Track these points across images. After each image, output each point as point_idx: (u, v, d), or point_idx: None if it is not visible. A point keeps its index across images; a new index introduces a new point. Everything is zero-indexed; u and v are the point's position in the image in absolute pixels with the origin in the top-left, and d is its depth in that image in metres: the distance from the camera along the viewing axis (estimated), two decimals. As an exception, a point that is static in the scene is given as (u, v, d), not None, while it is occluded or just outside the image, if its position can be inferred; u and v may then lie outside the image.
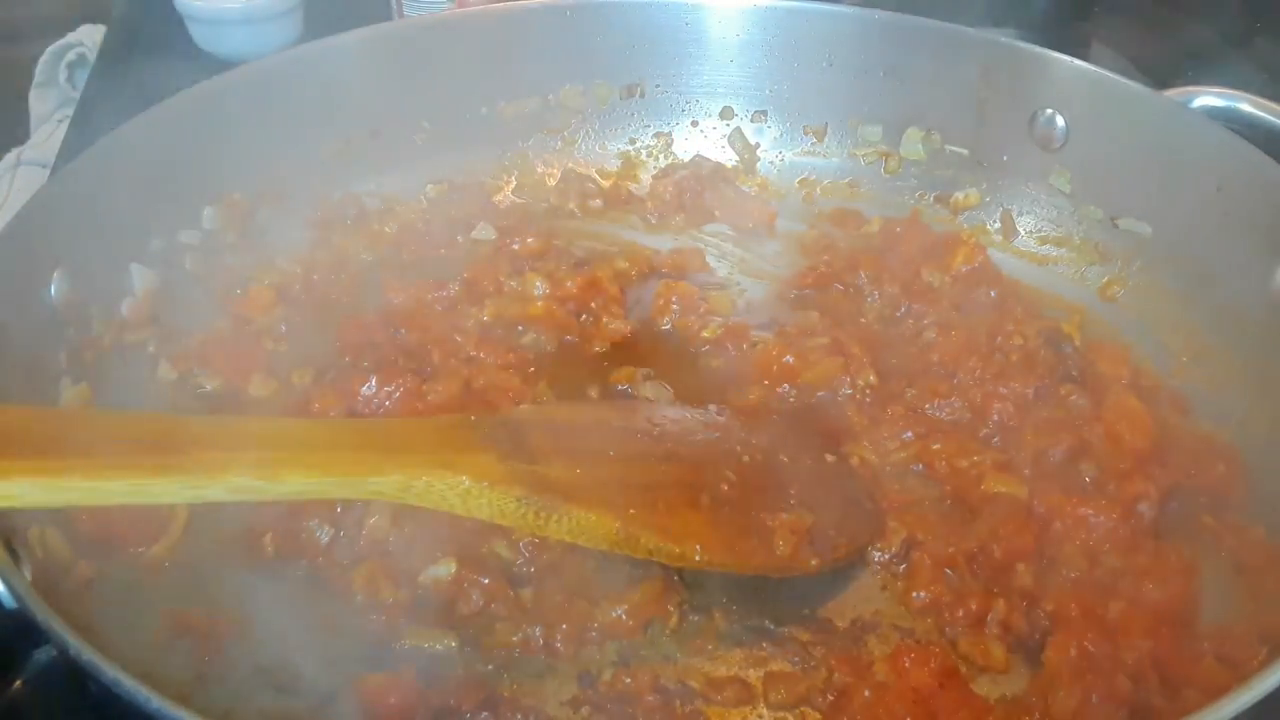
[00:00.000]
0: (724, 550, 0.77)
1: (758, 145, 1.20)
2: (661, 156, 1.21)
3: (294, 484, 0.66)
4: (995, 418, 0.91)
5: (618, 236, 1.15)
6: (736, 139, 1.20)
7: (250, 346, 0.96)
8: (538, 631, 0.76)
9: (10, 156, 1.37)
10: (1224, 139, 0.96)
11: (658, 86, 1.20)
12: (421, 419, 0.85)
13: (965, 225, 1.13)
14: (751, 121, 1.20)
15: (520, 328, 1.00)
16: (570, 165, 1.20)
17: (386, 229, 1.11)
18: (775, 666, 0.76)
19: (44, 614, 0.61)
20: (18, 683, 0.73)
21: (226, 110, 1.02)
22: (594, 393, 0.95)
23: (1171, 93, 1.01)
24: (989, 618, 0.77)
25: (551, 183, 1.19)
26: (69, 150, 1.20)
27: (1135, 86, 1.03)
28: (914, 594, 0.80)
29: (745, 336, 1.01)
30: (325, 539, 0.80)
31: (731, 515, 0.79)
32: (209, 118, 1.01)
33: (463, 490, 0.70)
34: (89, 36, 1.46)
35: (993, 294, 1.02)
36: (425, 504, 0.71)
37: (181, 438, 0.64)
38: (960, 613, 0.78)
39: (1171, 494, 0.85)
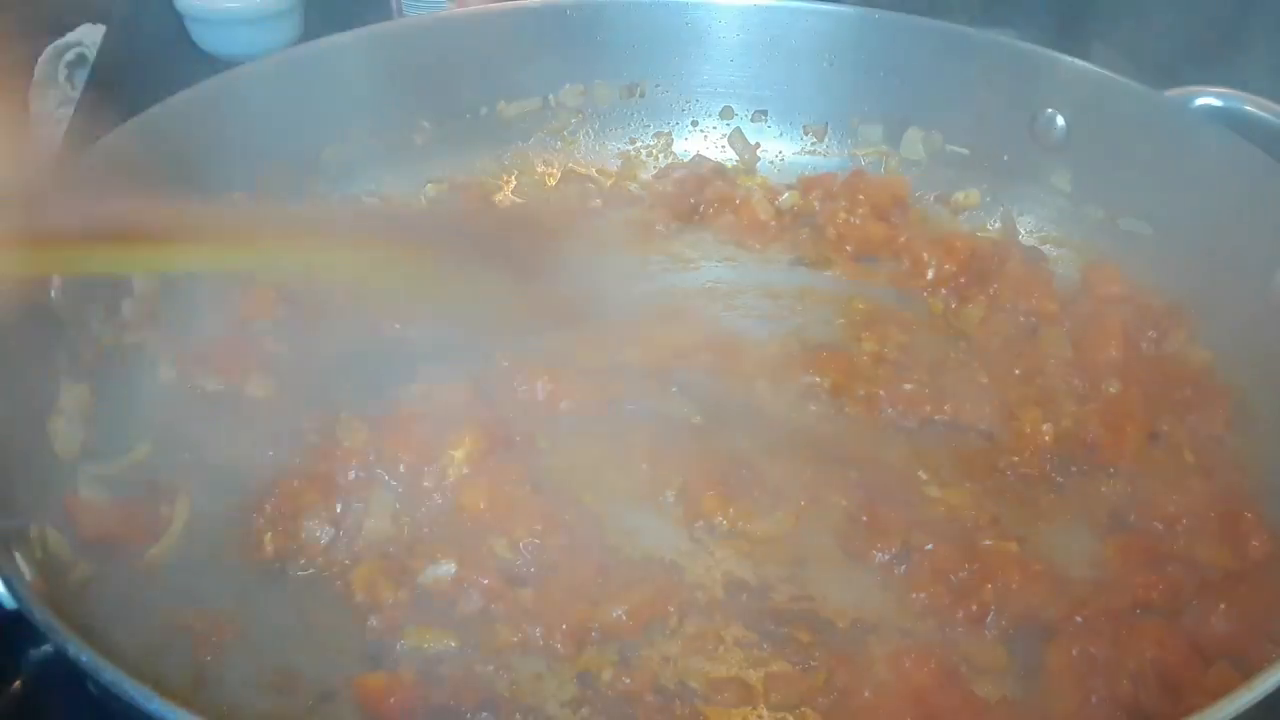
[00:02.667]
0: None
1: (757, 145, 1.20)
2: (661, 156, 1.21)
3: None
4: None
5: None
6: (736, 139, 1.20)
7: (250, 346, 0.96)
8: (538, 631, 0.76)
9: (10, 157, 1.37)
10: (1224, 139, 0.96)
11: (658, 86, 1.20)
12: None
13: (965, 225, 1.13)
14: (751, 121, 1.20)
15: (520, 328, 1.00)
16: (570, 165, 1.20)
17: (387, 229, 1.11)
18: (775, 667, 0.75)
19: (43, 614, 0.61)
20: (17, 683, 0.73)
21: (226, 110, 1.02)
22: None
23: (1172, 93, 1.01)
24: (988, 619, 0.77)
25: (552, 183, 1.19)
26: (68, 150, 1.20)
27: (1136, 86, 1.03)
28: (914, 594, 0.80)
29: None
30: (325, 539, 0.80)
31: None
32: (209, 117, 1.01)
33: None
34: (89, 36, 1.46)
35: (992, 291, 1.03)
36: None
37: None
38: (960, 613, 0.78)
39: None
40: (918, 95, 1.14)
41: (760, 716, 0.73)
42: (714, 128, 1.21)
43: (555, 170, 1.19)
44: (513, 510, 0.82)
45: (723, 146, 1.21)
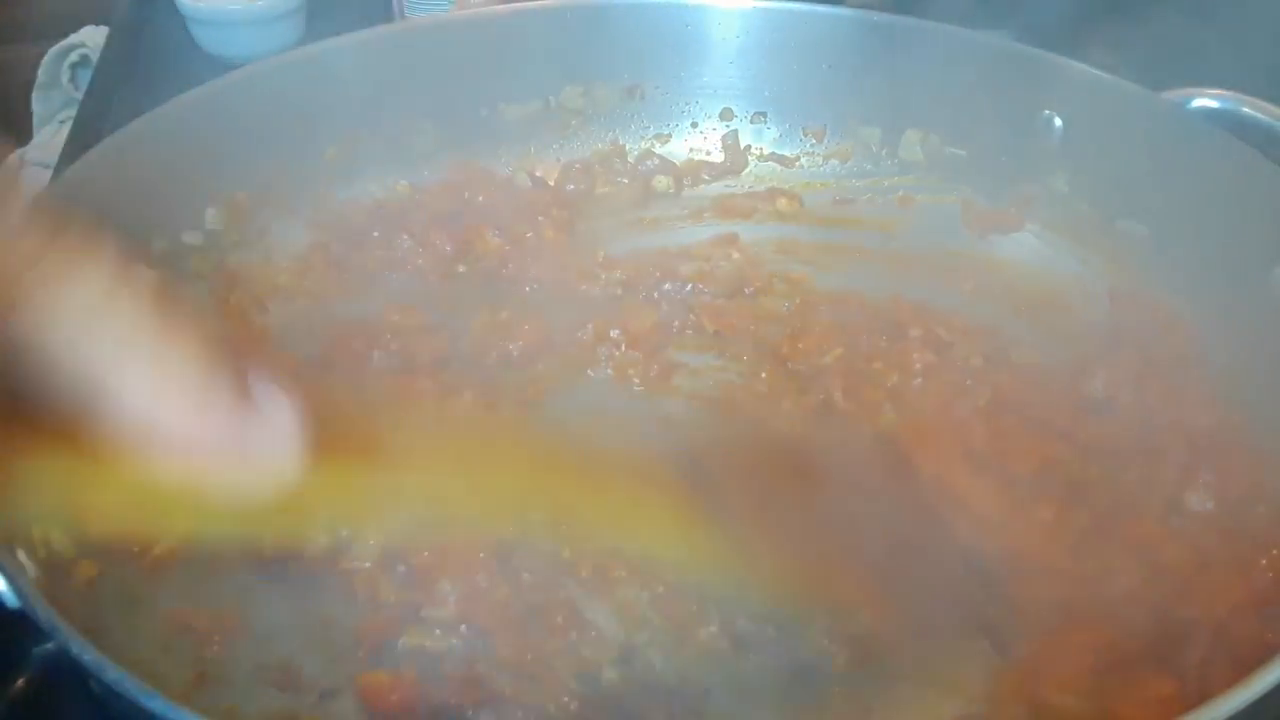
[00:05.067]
0: None
1: (748, 148, 1.20)
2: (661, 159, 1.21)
3: None
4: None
5: (617, 236, 1.15)
6: (729, 141, 1.20)
7: (254, 347, 0.97)
8: (539, 632, 0.76)
9: (13, 159, 1.38)
10: (1222, 140, 0.96)
11: (658, 88, 1.20)
12: None
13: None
14: (751, 123, 1.21)
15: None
16: (570, 166, 1.20)
17: (388, 229, 1.12)
18: (774, 664, 0.75)
19: (46, 613, 0.62)
20: (20, 681, 0.74)
21: (229, 111, 1.02)
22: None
23: (1169, 94, 1.01)
24: None
25: (552, 184, 1.19)
26: (71, 152, 1.21)
27: (1133, 88, 1.03)
28: None
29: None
30: (324, 541, 0.80)
31: None
32: (212, 119, 1.01)
33: None
34: (92, 38, 1.47)
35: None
36: None
37: None
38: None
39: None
40: (916, 97, 1.14)
41: (760, 715, 0.74)
42: (714, 129, 1.21)
43: (555, 171, 1.20)
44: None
45: (722, 148, 1.21)
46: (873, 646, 0.75)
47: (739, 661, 0.75)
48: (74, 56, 1.45)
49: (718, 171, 1.20)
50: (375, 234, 1.07)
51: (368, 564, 0.79)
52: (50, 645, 0.69)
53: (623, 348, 0.99)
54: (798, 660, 0.75)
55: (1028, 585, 0.79)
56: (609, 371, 0.98)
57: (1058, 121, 1.07)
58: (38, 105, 1.46)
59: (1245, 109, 0.98)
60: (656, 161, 1.20)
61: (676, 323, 1.02)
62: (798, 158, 1.20)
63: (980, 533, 0.81)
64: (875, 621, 0.75)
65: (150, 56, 1.41)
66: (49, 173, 1.29)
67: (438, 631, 0.76)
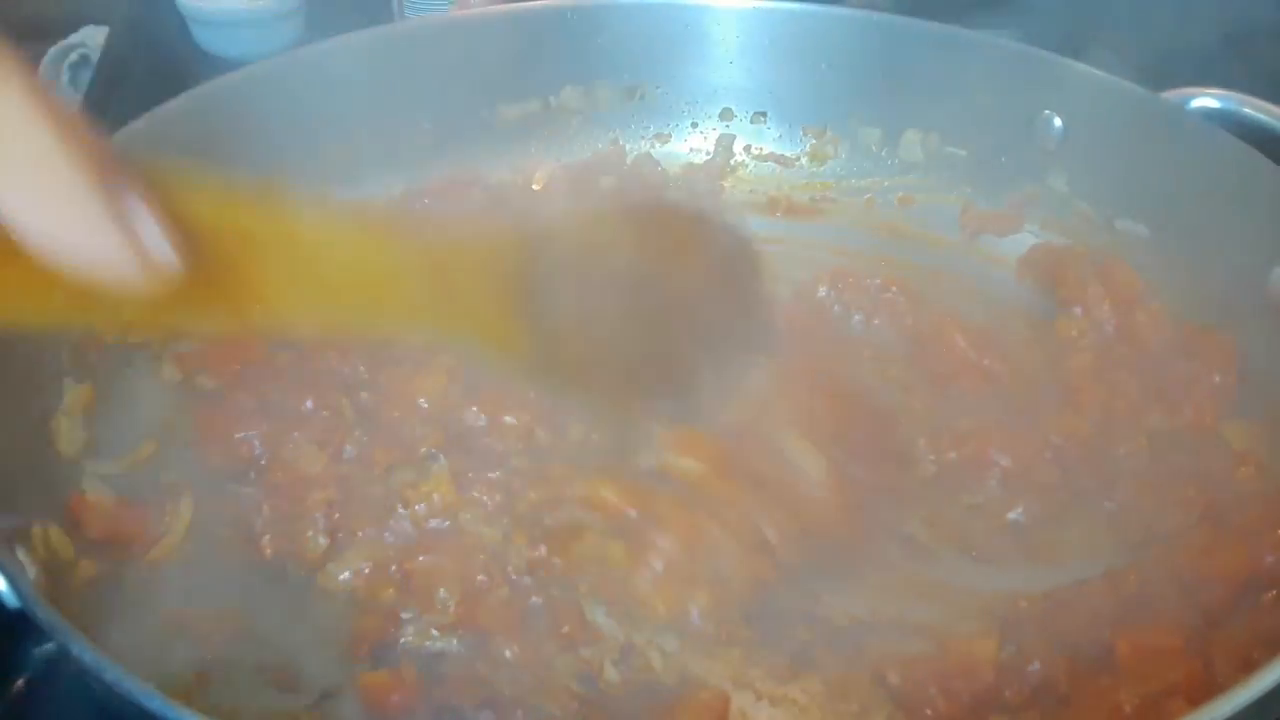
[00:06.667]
0: None
1: (759, 147, 1.20)
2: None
3: None
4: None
5: (618, 236, 1.15)
6: (722, 142, 1.20)
7: (252, 348, 0.97)
8: (538, 632, 0.76)
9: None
10: (1222, 141, 0.96)
11: (658, 88, 1.20)
12: None
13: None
14: (751, 123, 1.21)
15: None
16: (571, 166, 1.20)
17: (387, 230, 1.12)
18: (774, 666, 0.76)
19: (47, 613, 0.62)
20: (20, 681, 0.74)
21: (229, 112, 1.02)
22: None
23: (1169, 94, 1.01)
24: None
25: (551, 185, 1.19)
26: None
27: (1133, 88, 1.03)
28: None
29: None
30: (323, 544, 0.80)
31: None
32: (212, 119, 1.01)
33: None
34: (92, 38, 1.46)
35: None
36: None
37: None
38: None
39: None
40: (916, 97, 1.14)
41: (761, 713, 0.74)
42: (714, 129, 1.21)
43: (555, 172, 1.19)
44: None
45: (720, 148, 1.21)
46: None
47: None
48: (74, 56, 1.45)
49: (717, 171, 1.20)
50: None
51: (367, 567, 0.79)
52: (50, 645, 0.69)
53: None
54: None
55: None
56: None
57: (1058, 121, 1.07)
58: (38, 105, 1.46)
59: (1245, 109, 0.99)
60: (657, 163, 1.20)
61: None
62: (798, 158, 1.20)
63: None
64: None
65: (150, 56, 1.41)
66: (49, 173, 1.29)
67: (437, 632, 0.76)
